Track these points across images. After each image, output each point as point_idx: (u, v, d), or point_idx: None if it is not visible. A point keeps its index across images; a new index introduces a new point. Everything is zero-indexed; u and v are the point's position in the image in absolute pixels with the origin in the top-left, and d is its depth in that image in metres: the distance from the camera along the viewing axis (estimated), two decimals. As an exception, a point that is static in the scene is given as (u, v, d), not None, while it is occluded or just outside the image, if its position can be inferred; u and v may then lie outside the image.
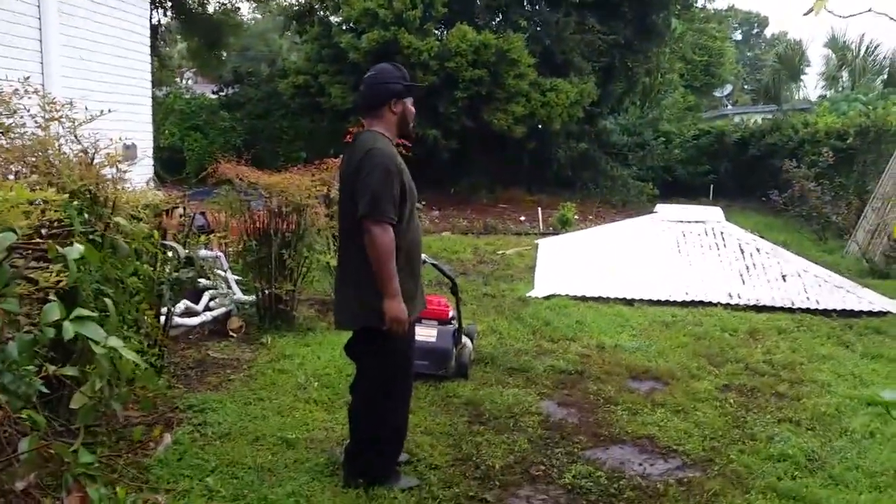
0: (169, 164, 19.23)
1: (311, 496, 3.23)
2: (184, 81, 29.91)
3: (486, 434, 4.04)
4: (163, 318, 4.59)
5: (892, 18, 2.68)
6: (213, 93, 22.39)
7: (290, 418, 4.11)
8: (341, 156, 3.55)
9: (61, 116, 3.39)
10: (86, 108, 3.64)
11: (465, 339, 5.14)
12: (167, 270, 4.24)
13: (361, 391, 3.39)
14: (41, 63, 5.57)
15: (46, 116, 3.37)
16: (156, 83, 24.60)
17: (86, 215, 3.06)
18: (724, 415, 4.45)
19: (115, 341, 1.87)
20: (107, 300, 2.01)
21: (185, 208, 4.69)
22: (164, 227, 4.28)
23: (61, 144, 3.46)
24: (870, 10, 2.73)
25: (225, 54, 28.59)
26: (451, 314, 5.06)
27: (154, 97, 21.67)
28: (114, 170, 3.50)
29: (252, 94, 20.43)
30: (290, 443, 3.78)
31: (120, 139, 3.70)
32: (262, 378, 4.76)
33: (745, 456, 3.87)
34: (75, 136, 3.52)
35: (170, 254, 4.88)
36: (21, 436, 2.28)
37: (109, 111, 3.88)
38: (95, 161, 3.53)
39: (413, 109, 3.35)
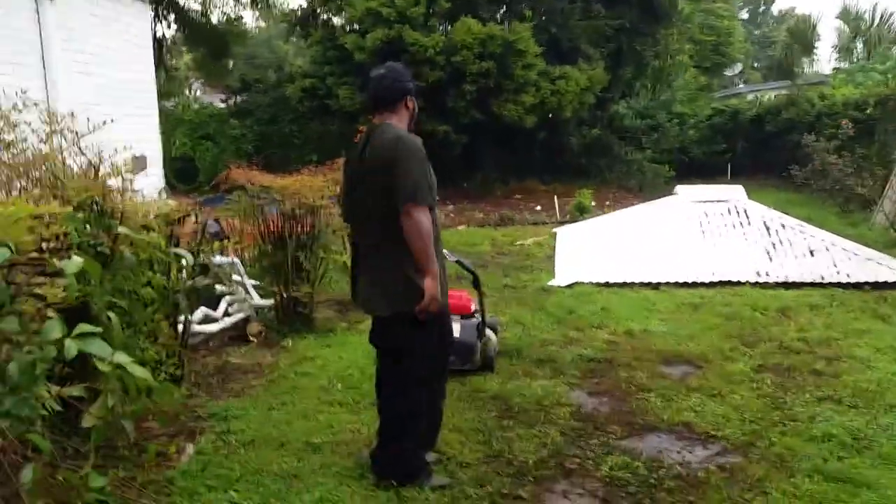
0: (182, 174, 19.29)
1: (340, 501, 3.13)
2: (191, 92, 29.97)
3: (516, 428, 3.91)
4: (180, 328, 4.51)
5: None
6: (222, 101, 22.44)
7: (314, 422, 4.01)
8: (347, 156, 3.52)
9: (63, 129, 3.30)
10: (87, 120, 3.55)
11: (489, 333, 5.02)
12: (181, 279, 4.16)
13: (397, 380, 3.32)
14: (44, 79, 5.52)
15: (47, 129, 3.28)
16: (164, 95, 24.77)
17: (89, 227, 2.97)
18: (761, 396, 4.30)
19: (121, 357, 1.76)
20: (111, 314, 1.90)
21: (196, 216, 4.59)
22: (176, 236, 4.18)
23: (65, 157, 3.37)
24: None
25: (231, 63, 28.66)
26: (473, 308, 4.94)
27: (162, 109, 21.80)
28: (121, 180, 3.40)
29: (260, 101, 20.44)
30: (315, 447, 3.67)
31: (125, 148, 3.60)
32: (285, 382, 4.66)
33: (787, 438, 3.72)
34: (79, 148, 3.43)
35: (184, 262, 4.82)
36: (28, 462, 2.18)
37: (112, 121, 3.78)
38: (101, 172, 3.43)
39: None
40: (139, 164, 6.84)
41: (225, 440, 3.79)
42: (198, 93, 31.86)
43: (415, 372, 3.28)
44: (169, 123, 20.56)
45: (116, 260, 2.79)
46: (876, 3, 21.43)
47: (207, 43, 25.51)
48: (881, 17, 20.84)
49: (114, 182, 3.64)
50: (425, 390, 3.31)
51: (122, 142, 6.59)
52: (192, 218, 4.80)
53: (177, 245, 4.38)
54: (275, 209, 5.69)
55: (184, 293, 4.20)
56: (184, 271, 4.37)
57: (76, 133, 3.43)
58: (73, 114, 3.49)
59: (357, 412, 4.15)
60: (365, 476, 3.35)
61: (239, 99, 21.42)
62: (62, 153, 3.37)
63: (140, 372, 1.78)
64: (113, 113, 6.54)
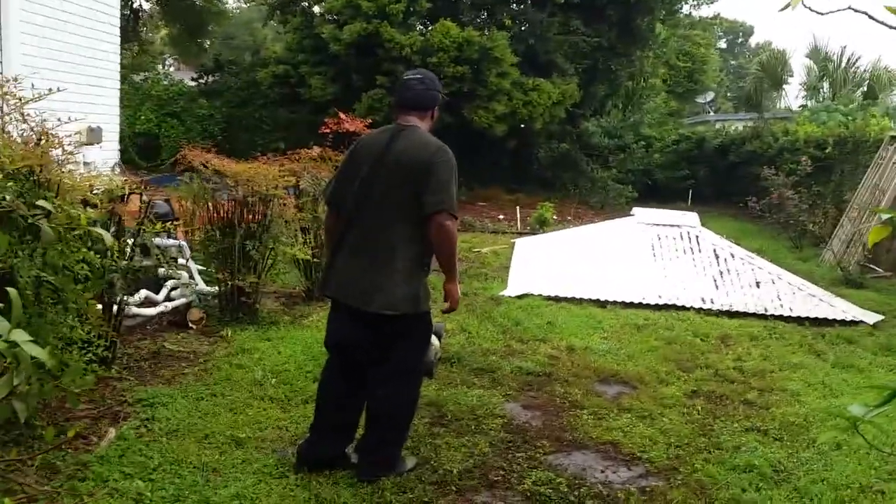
0: (145, 151, 18.92)
1: (256, 499, 3.08)
2: (165, 68, 29.41)
3: (446, 437, 3.90)
4: (116, 309, 4.41)
5: (870, 17, 2.58)
6: (193, 80, 22.06)
7: (242, 416, 3.95)
8: (360, 144, 3.48)
9: (6, 94, 3.19)
10: (32, 86, 3.45)
11: (431, 338, 5.01)
12: (117, 258, 4.06)
13: (397, 379, 3.37)
14: (-1, 45, 5.37)
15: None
16: (135, 68, 24.27)
17: (12, 198, 2.87)
18: (690, 422, 4.36)
19: (18, 335, 1.70)
20: (10, 290, 1.83)
21: (141, 195, 4.49)
22: (117, 214, 4.08)
23: (5, 123, 3.27)
24: (849, 8, 2.63)
25: (208, 42, 28.22)
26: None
27: (131, 82, 21.38)
28: (62, 152, 3.30)
29: (232, 83, 20.14)
30: (239, 442, 3.62)
31: (70, 119, 3.50)
32: (218, 373, 4.59)
33: (710, 465, 3.77)
34: (22, 115, 3.33)
35: (130, 241, 4.71)
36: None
37: (59, 90, 3.67)
38: (44, 142, 3.33)
39: None
40: (94, 135, 6.68)
41: (148, 427, 3.71)
42: (171, 69, 31.30)
43: (414, 368, 3.46)
44: (136, 98, 20.17)
45: (44, 234, 2.69)
46: (844, 46, 21.94)
47: (185, 19, 25.10)
48: (848, 60, 21.42)
49: (58, 152, 3.54)
50: (419, 385, 3.55)
51: (77, 112, 6.45)
52: (138, 196, 4.70)
53: (119, 223, 4.30)
54: (226, 194, 5.60)
55: (120, 273, 4.11)
56: (124, 251, 4.28)
57: (20, 99, 3.31)
58: (16, 78, 3.37)
59: (287, 409, 4.10)
60: (286, 475, 3.31)
61: (210, 79, 21.09)
62: (1, 119, 3.26)
63: (37, 352, 1.71)
64: (70, 81, 6.39)
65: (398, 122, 3.39)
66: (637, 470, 3.72)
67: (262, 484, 3.22)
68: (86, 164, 6.43)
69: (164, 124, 19.54)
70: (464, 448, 3.78)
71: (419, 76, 3.44)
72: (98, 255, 3.50)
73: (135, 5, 24.99)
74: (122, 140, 19.39)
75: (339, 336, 3.43)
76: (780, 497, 3.48)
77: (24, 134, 3.44)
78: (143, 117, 19.57)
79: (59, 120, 3.43)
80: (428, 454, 3.67)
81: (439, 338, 5.24)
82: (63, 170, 3.18)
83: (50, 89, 3.60)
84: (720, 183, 17.68)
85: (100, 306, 4.14)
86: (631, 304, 7.24)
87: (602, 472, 3.68)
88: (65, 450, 3.32)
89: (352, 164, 3.43)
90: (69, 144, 3.23)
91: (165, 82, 21.36)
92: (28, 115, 3.42)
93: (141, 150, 18.81)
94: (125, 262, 4.14)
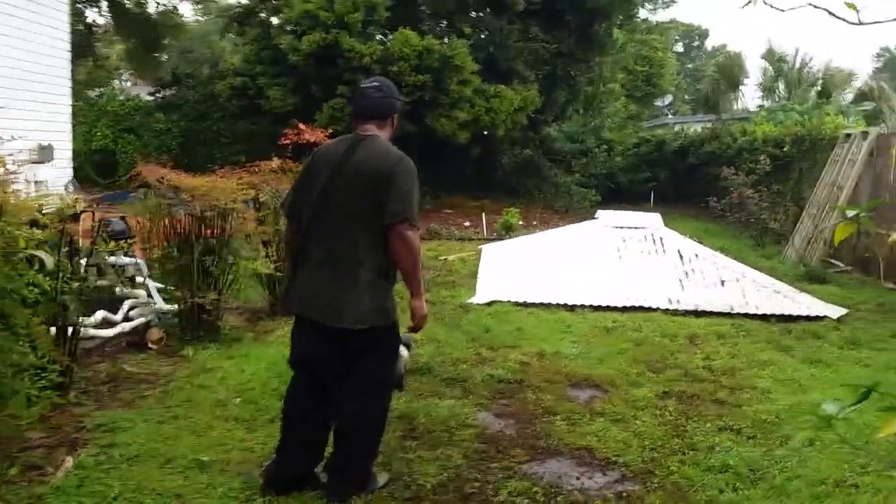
0: (101, 167, 18.52)
1: (221, 524, 2.95)
2: (120, 83, 28.88)
3: (418, 450, 3.81)
4: (71, 331, 4.23)
5: (830, 13, 2.58)
6: (150, 94, 21.67)
7: (205, 438, 3.81)
8: (318, 155, 3.39)
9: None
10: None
11: (400, 349, 4.91)
12: (70, 280, 3.90)
13: (366, 393, 3.26)
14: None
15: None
16: (91, 84, 23.77)
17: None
18: (663, 423, 4.33)
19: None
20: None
21: (94, 213, 4.32)
22: (67, 234, 3.92)
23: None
24: (809, 4, 2.63)
25: (165, 56, 27.75)
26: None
27: (87, 98, 20.90)
28: (3, 171, 3.14)
29: (189, 97, 19.85)
30: (203, 465, 3.47)
31: (11, 137, 3.34)
32: (180, 394, 4.43)
33: (685, 467, 3.73)
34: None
35: (83, 261, 4.53)
36: None
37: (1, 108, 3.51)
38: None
39: None
40: (45, 153, 6.47)
41: (108, 454, 3.55)
42: (127, 84, 30.75)
43: (384, 382, 3.38)
44: (91, 114, 19.75)
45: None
46: (798, 48, 22.47)
47: (140, 33, 24.64)
48: (802, 60, 21.87)
49: (1, 171, 3.37)
50: (389, 399, 3.46)
51: (29, 130, 6.23)
52: (91, 215, 4.53)
53: (70, 243, 4.13)
54: (182, 210, 5.45)
55: (73, 295, 3.94)
56: (77, 271, 4.11)
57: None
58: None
59: (253, 430, 3.97)
60: (252, 498, 3.19)
61: (168, 93, 20.74)
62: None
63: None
64: (18, 98, 6.18)
65: (357, 132, 3.32)
66: (613, 475, 3.67)
67: (227, 509, 3.09)
68: (37, 182, 6.22)
69: (120, 140, 19.19)
70: (437, 461, 3.69)
71: (376, 84, 3.39)
72: (47, 278, 3.34)
73: (88, 20, 24.51)
74: (77, 157, 18.92)
75: (304, 352, 3.32)
76: (758, 496, 3.45)
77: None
78: (98, 133, 19.19)
79: (3, 138, 3.27)
80: (400, 469, 3.57)
81: (408, 348, 5.14)
82: (6, 190, 3.02)
83: (-8, 105, 3.43)
84: (681, 184, 17.90)
85: (53, 330, 3.98)
86: (599, 307, 7.22)
87: (578, 478, 3.62)
88: (16, 483, 3.15)
89: (309, 175, 3.35)
90: (13, 164, 3.07)
91: (121, 97, 20.97)
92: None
93: (98, 166, 18.43)
94: (77, 284, 3.97)
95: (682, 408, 4.60)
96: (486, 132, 16.31)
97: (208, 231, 5.49)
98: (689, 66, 47.99)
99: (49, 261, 2.55)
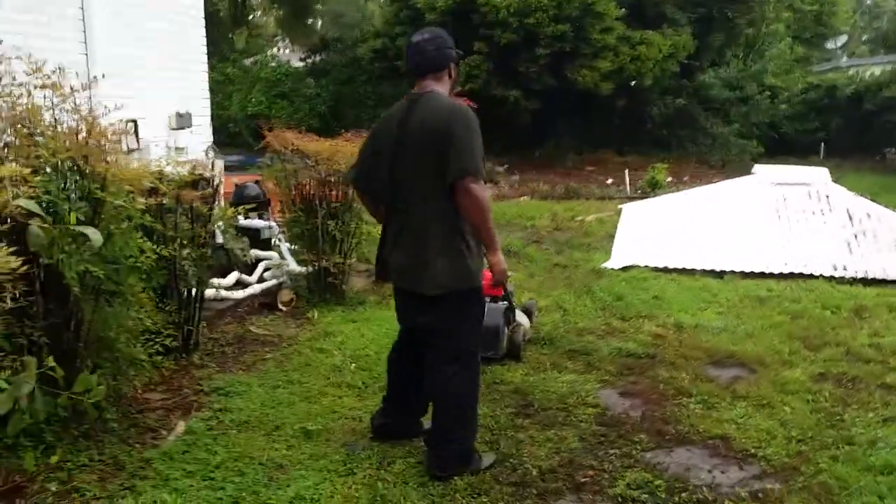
0: (257, 132, 19.52)
1: (316, 501, 2.87)
2: (274, 51, 30.21)
3: (530, 429, 3.56)
4: (192, 295, 4.35)
5: None
6: (301, 60, 22.46)
7: (316, 405, 3.78)
8: (380, 122, 3.27)
9: (53, 84, 3.09)
10: (76, 74, 3.34)
11: (521, 318, 4.67)
12: (185, 245, 3.97)
13: (452, 362, 3.10)
14: (83, 31, 5.41)
15: (37, 83, 3.08)
16: (248, 52, 25.05)
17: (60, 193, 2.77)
18: (816, 411, 3.78)
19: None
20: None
21: (210, 180, 4.38)
22: (182, 201, 3.98)
23: (56, 114, 3.17)
24: None
25: (320, 22, 28.62)
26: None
27: (242, 67, 22.00)
28: (108, 141, 3.17)
29: (337, 61, 20.34)
30: (309, 434, 3.43)
31: (108, 109, 3.35)
32: (298, 358, 4.46)
33: (838, 465, 3.22)
34: (75, 105, 3.22)
35: (218, 226, 4.64)
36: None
37: (103, 76, 3.56)
38: (95, 131, 3.21)
39: None
40: (183, 121, 6.72)
41: (219, 419, 3.61)
42: (281, 51, 32.14)
43: (470, 350, 3.17)
44: (247, 81, 20.80)
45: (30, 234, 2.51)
46: None
47: (290, 1, 25.54)
48: None
49: (113, 143, 3.41)
50: (478, 369, 3.24)
51: (167, 99, 6.49)
52: (215, 181, 4.59)
53: (190, 209, 4.20)
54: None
55: (191, 261, 4.02)
56: (195, 238, 4.19)
57: (71, 88, 3.21)
58: (60, 69, 3.24)
59: (363, 397, 3.90)
60: (353, 472, 3.10)
61: (318, 58, 21.38)
62: (53, 109, 3.17)
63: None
64: (158, 67, 6.43)
65: (414, 91, 3.12)
66: (750, 470, 3.23)
67: (326, 483, 3.01)
68: (177, 148, 6.48)
69: (274, 105, 20.06)
70: (549, 443, 3.42)
71: (427, 36, 3.15)
72: (159, 245, 3.39)
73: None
74: (236, 122, 19.98)
75: (399, 318, 3.36)
76: (930, 507, 2.90)
77: (69, 124, 3.30)
78: (254, 100, 20.16)
79: (106, 108, 3.30)
80: (508, 449, 3.35)
81: (530, 316, 4.89)
82: (109, 159, 3.04)
83: (95, 77, 3.47)
84: (856, 134, 16.23)
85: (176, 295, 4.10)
86: (751, 274, 6.58)
87: (709, 472, 3.22)
88: (132, 445, 3.25)
89: (373, 143, 3.24)
90: (113, 134, 3.09)
91: (273, 64, 21.86)
92: (80, 105, 3.29)
93: (255, 132, 19.43)
94: (191, 250, 4.03)
95: (840, 393, 4.01)
96: (632, 82, 15.41)
97: (332, 195, 5.47)
98: (868, 2, 42.87)
99: (98, 238, 2.51)
